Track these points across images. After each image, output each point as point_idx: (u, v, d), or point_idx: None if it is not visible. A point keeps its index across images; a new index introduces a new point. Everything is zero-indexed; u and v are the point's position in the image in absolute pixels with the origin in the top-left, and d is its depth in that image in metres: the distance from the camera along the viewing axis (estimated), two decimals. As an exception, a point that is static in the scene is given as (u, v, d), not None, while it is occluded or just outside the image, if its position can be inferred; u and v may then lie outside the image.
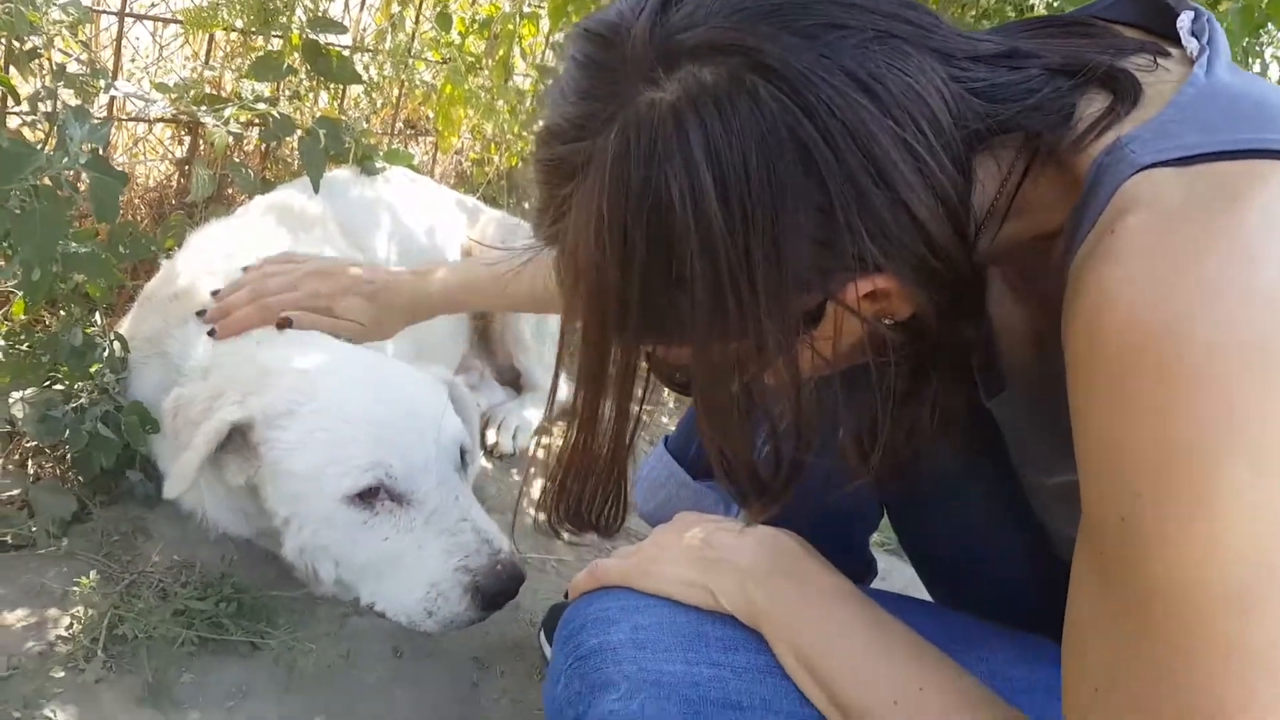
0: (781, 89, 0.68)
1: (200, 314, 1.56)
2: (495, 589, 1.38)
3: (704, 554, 1.03)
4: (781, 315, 0.73)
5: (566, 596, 1.13)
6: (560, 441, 0.90)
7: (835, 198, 0.69)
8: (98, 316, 1.68)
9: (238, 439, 1.41)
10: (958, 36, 0.77)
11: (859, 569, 1.37)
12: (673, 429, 1.44)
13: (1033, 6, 2.36)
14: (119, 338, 1.64)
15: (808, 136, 0.68)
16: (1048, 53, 0.80)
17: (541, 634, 1.70)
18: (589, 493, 0.92)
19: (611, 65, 0.73)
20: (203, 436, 1.37)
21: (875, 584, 1.53)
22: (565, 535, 0.99)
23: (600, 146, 0.72)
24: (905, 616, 0.96)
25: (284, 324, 1.52)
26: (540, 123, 0.79)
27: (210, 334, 1.54)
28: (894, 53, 0.71)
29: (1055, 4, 2.31)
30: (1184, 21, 0.83)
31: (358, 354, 1.53)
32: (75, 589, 1.44)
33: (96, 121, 1.38)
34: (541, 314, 2.47)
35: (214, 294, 1.57)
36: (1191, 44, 0.80)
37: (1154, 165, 0.70)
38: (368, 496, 1.37)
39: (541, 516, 0.97)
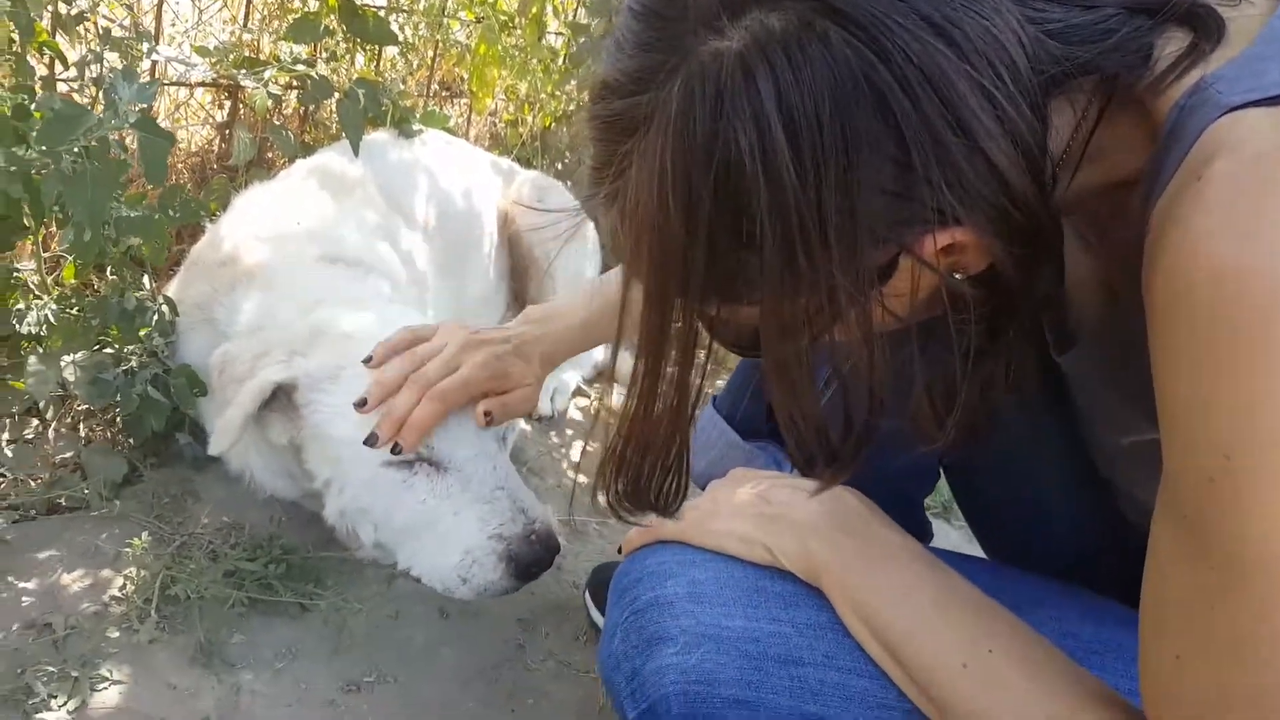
0: (855, 34, 0.65)
1: (359, 405, 1.36)
2: (529, 558, 1.37)
3: (762, 510, 1.01)
4: (854, 271, 0.69)
5: (620, 552, 1.12)
6: (618, 412, 0.87)
7: (912, 147, 0.65)
8: (146, 280, 1.69)
9: (282, 398, 1.42)
10: None
11: (915, 531, 1.35)
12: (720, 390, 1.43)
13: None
14: (168, 301, 1.66)
15: (883, 83, 0.64)
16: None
17: (586, 594, 1.71)
18: (649, 466, 0.88)
19: (672, 15, 0.70)
20: (247, 394, 1.38)
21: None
22: (624, 515, 0.96)
23: (663, 100, 0.69)
24: (969, 576, 0.93)
25: (490, 422, 1.40)
26: (596, 77, 0.76)
27: (369, 441, 1.34)
28: None
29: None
30: None
31: (403, 319, 1.53)
32: (128, 550, 1.47)
33: (144, 81, 1.38)
34: (578, 272, 2.47)
35: (366, 361, 1.40)
36: None
37: (1242, 106, 0.66)
38: (407, 459, 1.37)
39: (601, 497, 0.92)
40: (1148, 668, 0.71)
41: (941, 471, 1.39)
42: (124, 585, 1.43)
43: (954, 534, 2.23)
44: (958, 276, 0.75)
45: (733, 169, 0.67)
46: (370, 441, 1.33)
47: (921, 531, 1.52)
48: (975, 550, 1.39)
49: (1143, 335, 0.72)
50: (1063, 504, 1.17)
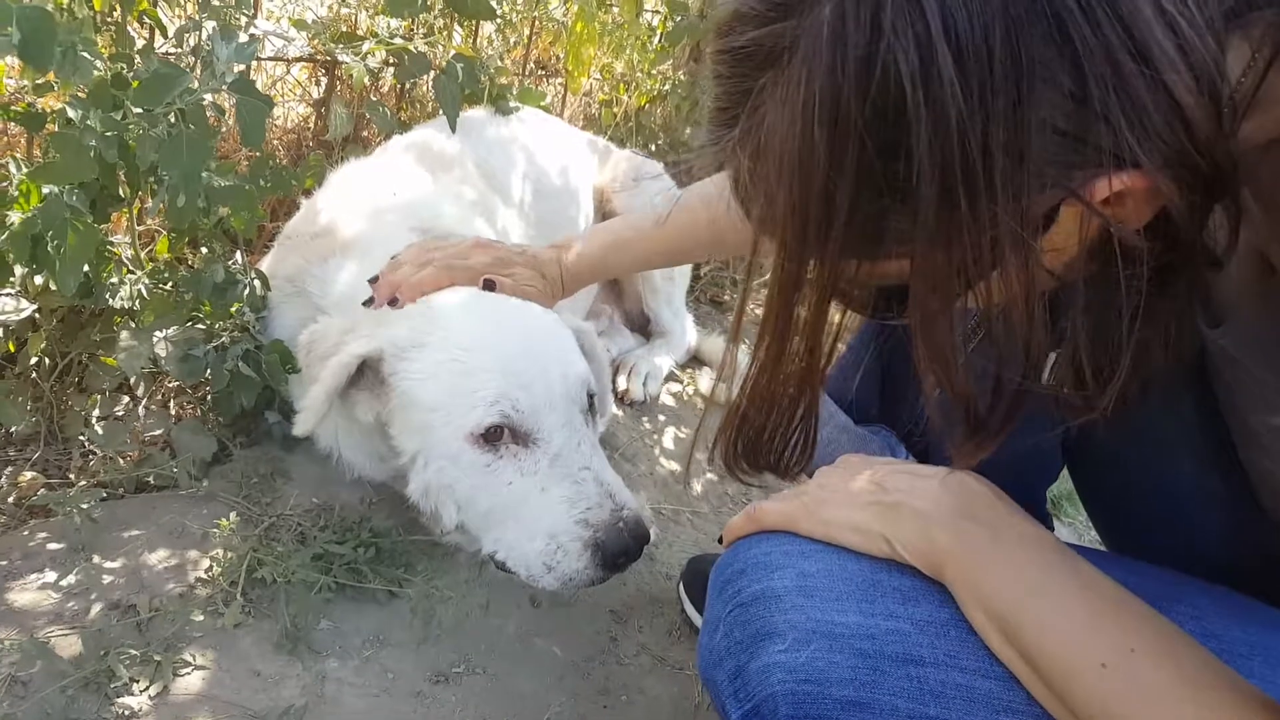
0: None
1: (372, 281, 1.49)
2: (616, 547, 1.29)
3: (879, 497, 0.93)
4: (1018, 218, 0.63)
5: (720, 541, 1.04)
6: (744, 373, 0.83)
7: (1091, 78, 0.59)
8: (239, 255, 1.66)
9: (369, 375, 1.38)
10: None
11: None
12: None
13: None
14: (259, 275, 1.62)
15: (1062, 6, 0.59)
16: None
17: (681, 588, 1.64)
18: (771, 426, 0.85)
19: None
20: (330, 370, 1.34)
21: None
22: (739, 475, 0.90)
23: (811, 25, 0.62)
24: (1102, 569, 0.85)
25: (490, 285, 1.46)
26: (722, 9, 0.69)
27: (367, 303, 1.48)
28: None
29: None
30: None
31: (484, 295, 1.48)
32: (215, 531, 1.43)
33: (242, 41, 1.33)
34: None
35: (372, 281, 1.49)
36: None
37: None
38: (492, 438, 1.32)
39: (716, 455, 0.90)
40: None
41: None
42: (210, 567, 1.39)
43: (1064, 531, 2.10)
44: (1124, 227, 0.68)
45: (891, 97, 0.61)
46: (367, 303, 1.45)
47: (1045, 525, 1.42)
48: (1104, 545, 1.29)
49: None
50: (1196, 494, 1.09)
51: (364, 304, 1.46)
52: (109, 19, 1.58)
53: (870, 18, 0.60)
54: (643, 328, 2.47)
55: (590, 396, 1.45)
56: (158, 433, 1.58)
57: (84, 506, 1.38)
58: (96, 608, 1.29)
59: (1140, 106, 0.61)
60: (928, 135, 0.60)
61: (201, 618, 1.32)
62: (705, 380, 2.39)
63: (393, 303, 1.43)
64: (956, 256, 0.66)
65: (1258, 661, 0.85)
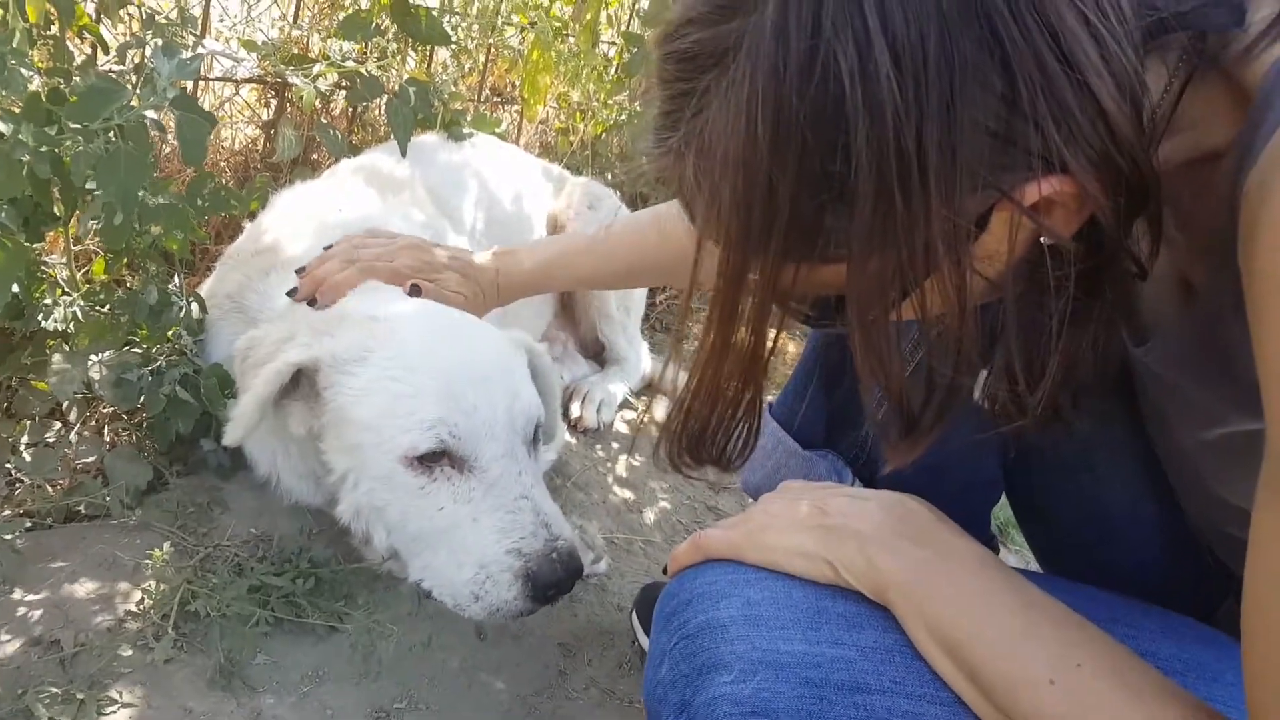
0: None
1: (299, 271, 1.47)
2: (548, 578, 1.26)
3: (821, 521, 0.92)
4: (951, 218, 0.65)
5: (665, 572, 1.02)
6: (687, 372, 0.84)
7: (1020, 80, 0.62)
8: (176, 278, 1.61)
9: (305, 385, 1.33)
10: None
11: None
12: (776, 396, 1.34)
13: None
14: (197, 298, 1.58)
15: (993, 9, 0.61)
16: None
17: (633, 617, 1.61)
18: (715, 419, 0.85)
19: None
20: (263, 378, 1.28)
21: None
22: (683, 469, 0.92)
23: (754, 25, 0.64)
24: (1044, 590, 0.85)
25: (416, 291, 1.43)
26: (669, 14, 0.71)
27: (290, 293, 1.46)
28: None
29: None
30: None
31: (440, 309, 1.44)
32: (148, 562, 1.37)
33: (185, 57, 1.30)
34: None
35: (299, 271, 1.48)
36: None
37: None
38: (428, 460, 1.28)
39: (661, 449, 0.91)
40: (1258, 674, 0.65)
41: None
42: (141, 600, 1.34)
43: (1011, 558, 2.12)
44: (1044, 240, 0.71)
45: (830, 93, 0.62)
46: (290, 294, 1.44)
47: (989, 547, 1.43)
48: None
49: (1228, 320, 0.70)
50: (1128, 517, 1.12)
51: (287, 294, 1.45)
52: (46, 33, 1.54)
53: (811, 17, 0.62)
54: (597, 355, 2.45)
55: (536, 427, 1.41)
56: (90, 460, 1.53)
57: (7, 537, 1.32)
58: (15, 644, 1.24)
59: (1067, 109, 0.63)
60: (865, 131, 0.62)
61: (130, 653, 1.26)
62: (660, 408, 2.37)
63: (312, 302, 1.42)
64: (892, 259, 0.67)
65: (1192, 677, 0.86)
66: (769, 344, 0.78)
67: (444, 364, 1.31)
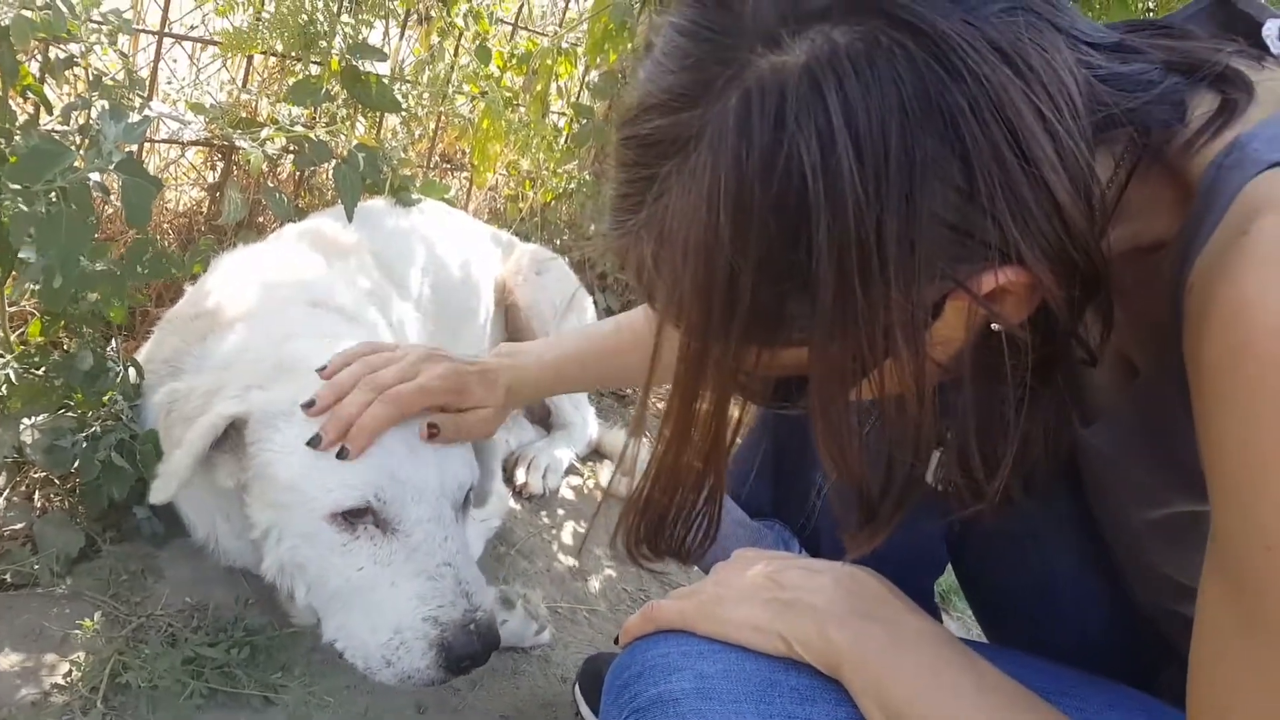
0: (926, 51, 0.62)
1: (307, 406, 1.26)
2: (463, 650, 1.22)
3: (775, 594, 0.92)
4: (909, 308, 0.66)
5: (616, 642, 1.01)
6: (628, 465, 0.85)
7: (979, 174, 0.63)
8: (113, 342, 1.59)
9: (233, 437, 1.29)
10: (1079, 20, 0.73)
11: (927, 615, 1.28)
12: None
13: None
14: (133, 363, 1.55)
15: (954, 105, 0.62)
16: (1154, 50, 0.76)
17: (576, 689, 1.59)
18: (675, 509, 0.86)
19: (725, 28, 0.67)
20: (197, 431, 1.24)
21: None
22: (641, 562, 0.92)
23: (717, 114, 0.65)
24: (992, 663, 0.86)
25: (434, 434, 1.29)
26: (629, 98, 0.72)
27: (312, 442, 1.23)
28: (1032, 27, 0.66)
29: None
30: (1271, 29, 0.79)
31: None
32: (77, 632, 1.33)
33: (132, 121, 1.30)
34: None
35: (306, 407, 1.26)
36: None
37: None
38: (352, 517, 1.24)
39: (619, 542, 0.91)
40: None
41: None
42: (69, 672, 1.29)
43: (953, 624, 2.13)
44: (997, 327, 0.73)
45: (793, 186, 0.63)
46: (314, 443, 1.22)
47: (934, 617, 1.45)
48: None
49: (1172, 405, 0.71)
50: (1072, 589, 1.14)
51: (308, 443, 1.23)
52: (-11, 93, 1.53)
53: (774, 110, 0.63)
54: (543, 420, 2.44)
55: (469, 491, 1.38)
56: (19, 527, 1.48)
57: (-72, 607, 1.27)
58: (-67, 719, 1.19)
59: (1023, 204, 0.64)
60: (826, 223, 0.63)
61: (54, 728, 1.22)
62: (606, 474, 2.37)
63: (342, 452, 1.22)
64: (851, 344, 0.67)
65: None
66: (730, 431, 0.78)
67: None
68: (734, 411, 0.78)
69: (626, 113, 0.72)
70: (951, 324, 0.70)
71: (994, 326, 0.71)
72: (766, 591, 0.93)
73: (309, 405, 1.25)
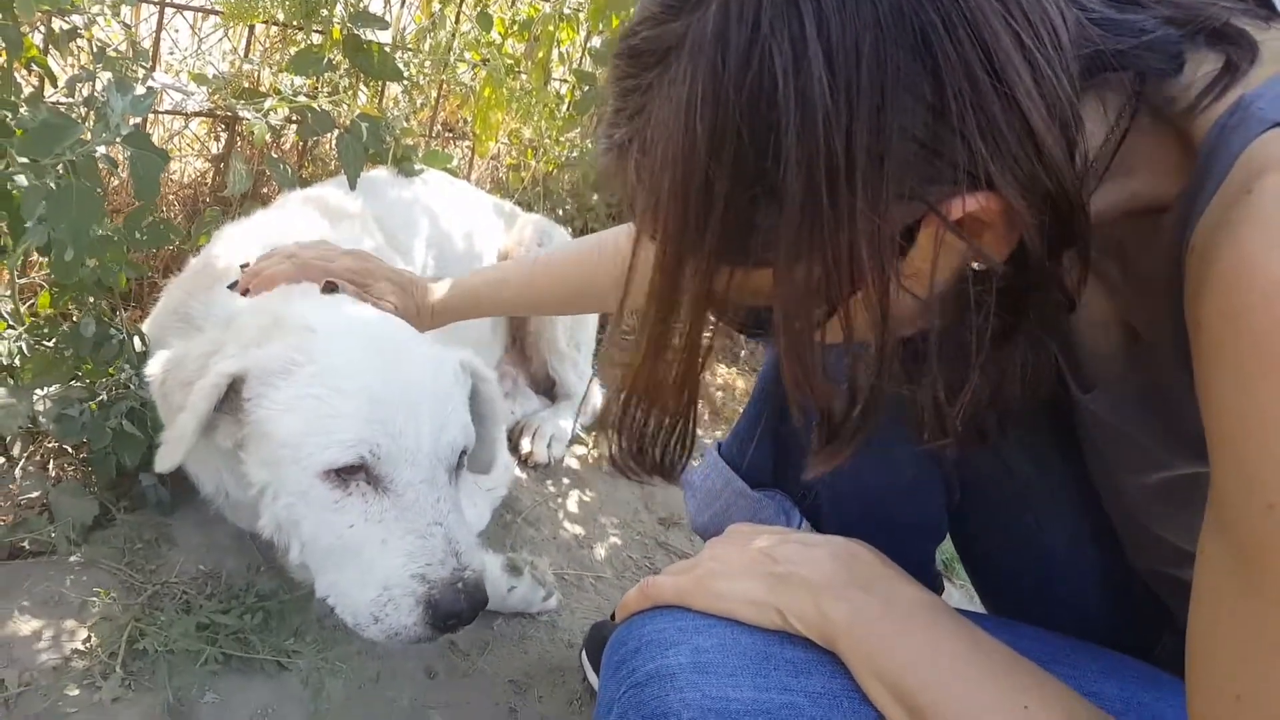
0: None
1: (231, 286, 1.46)
2: (449, 608, 1.23)
3: (770, 569, 0.93)
4: (876, 225, 0.66)
5: (613, 618, 1.03)
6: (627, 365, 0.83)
7: (950, 93, 0.64)
8: (119, 312, 1.60)
9: (231, 396, 1.29)
10: None
11: (928, 584, 1.28)
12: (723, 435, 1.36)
13: None
14: (138, 332, 1.56)
15: (928, 22, 0.63)
16: (1157, 7, 0.75)
17: (584, 655, 1.62)
18: (654, 423, 0.86)
19: None
20: (199, 394, 1.24)
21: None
22: (629, 474, 0.93)
23: (697, 22, 0.67)
24: (989, 633, 0.87)
25: (330, 288, 1.42)
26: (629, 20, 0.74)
27: (231, 286, 1.46)
28: None
29: None
30: None
31: (381, 322, 1.40)
32: (94, 599, 1.36)
33: (139, 93, 1.30)
34: (576, 319, 2.41)
35: (243, 266, 1.48)
36: None
37: None
38: (345, 474, 1.25)
39: (610, 449, 0.91)
40: (1199, 707, 0.68)
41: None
42: (88, 638, 1.32)
43: (956, 593, 2.15)
44: (977, 266, 0.73)
45: (765, 89, 0.64)
46: (231, 286, 1.45)
47: (933, 586, 1.46)
48: (977, 609, 1.32)
49: (1173, 367, 0.71)
50: (1068, 558, 1.14)
51: (228, 286, 1.46)
52: (-6, 66, 1.53)
53: (751, 17, 0.64)
54: (548, 390, 2.46)
55: (463, 454, 1.38)
56: (35, 495, 1.50)
57: (-52, 575, 1.30)
58: (-42, 684, 1.21)
59: (995, 125, 0.65)
60: (796, 130, 0.64)
61: (77, 692, 1.24)
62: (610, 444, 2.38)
63: (245, 292, 1.42)
64: (818, 265, 0.68)
65: (1133, 717, 0.88)
66: (703, 350, 0.79)
67: (370, 384, 1.27)
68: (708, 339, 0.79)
69: (624, 29, 0.73)
70: (924, 253, 0.70)
71: (975, 266, 0.72)
72: (762, 566, 0.94)
73: (244, 265, 1.47)
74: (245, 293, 1.43)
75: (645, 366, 0.80)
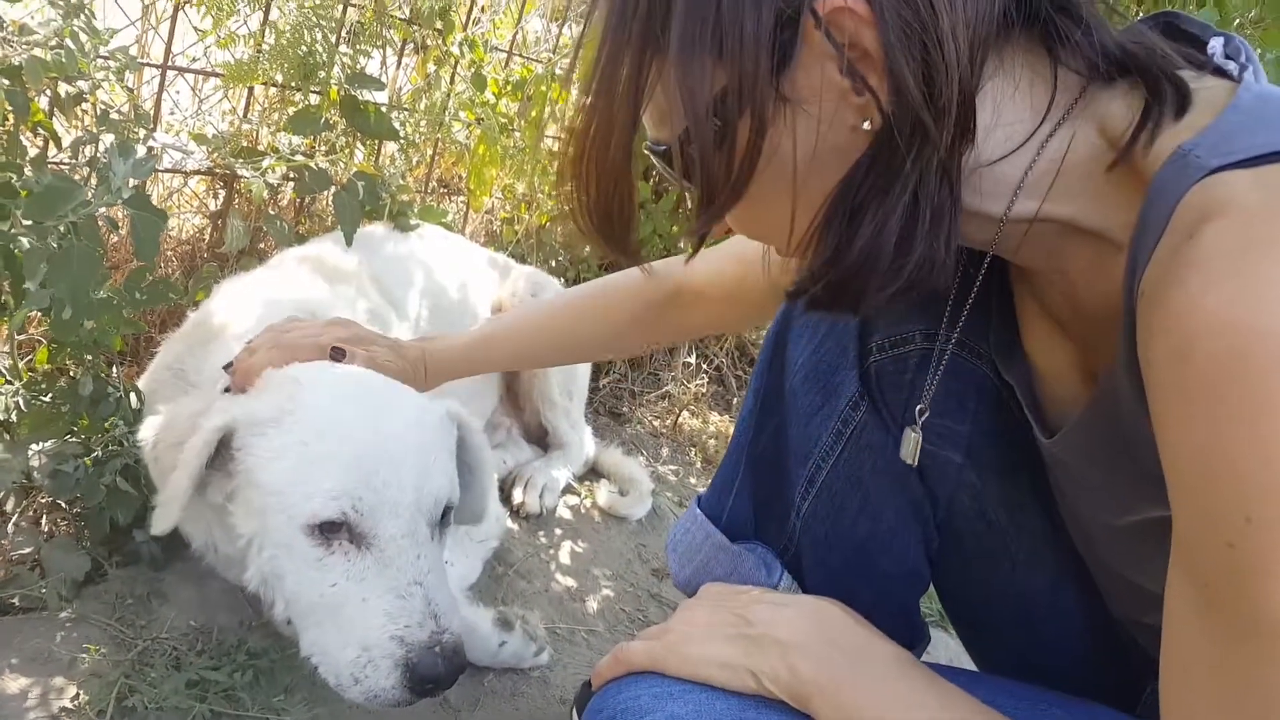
0: None
1: (227, 368, 1.42)
2: (427, 671, 1.22)
3: (742, 630, 0.94)
4: (756, 16, 0.73)
5: (590, 686, 1.03)
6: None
7: None
8: (115, 369, 1.62)
9: (221, 450, 1.30)
10: None
11: (913, 634, 1.29)
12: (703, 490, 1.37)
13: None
14: (134, 389, 1.58)
15: None
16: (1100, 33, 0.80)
17: (574, 713, 1.61)
18: (600, 196, 0.87)
19: None
20: (191, 451, 1.25)
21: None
22: (591, 253, 0.98)
23: None
24: (965, 689, 0.88)
25: (338, 355, 1.40)
26: None
27: (227, 368, 1.42)
28: None
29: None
30: (1215, 46, 0.82)
31: (363, 377, 1.41)
32: (84, 656, 1.36)
33: (140, 157, 1.34)
34: (568, 370, 2.43)
35: (226, 368, 1.42)
36: (1229, 64, 0.80)
37: (1223, 168, 0.68)
38: (328, 531, 1.25)
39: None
40: None
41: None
42: (77, 695, 1.32)
43: (953, 644, 2.14)
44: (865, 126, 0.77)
45: None
46: (227, 390, 1.39)
47: (919, 636, 1.46)
48: (965, 659, 1.35)
49: (1132, 408, 0.73)
50: (1051, 604, 1.15)
51: (223, 390, 1.40)
52: (0, 128, 1.57)
53: None
54: (540, 440, 2.47)
55: (448, 509, 1.39)
56: (26, 551, 1.51)
57: (-61, 632, 1.30)
58: (-54, 742, 1.22)
59: None
60: None
61: (63, 750, 1.24)
62: (603, 493, 2.40)
63: (229, 373, 1.39)
64: (708, 62, 0.75)
65: None
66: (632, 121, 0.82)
67: (355, 434, 1.29)
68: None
69: None
70: (811, 72, 0.75)
71: (862, 125, 0.77)
72: (733, 628, 0.95)
73: (228, 366, 1.41)
74: (229, 375, 1.40)
75: (584, 128, 0.84)
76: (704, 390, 3.17)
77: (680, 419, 2.98)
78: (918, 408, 1.06)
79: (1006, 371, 1.02)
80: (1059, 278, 0.87)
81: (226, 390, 1.40)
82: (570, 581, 2.05)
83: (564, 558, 2.14)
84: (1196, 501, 0.65)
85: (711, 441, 2.93)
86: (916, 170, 0.76)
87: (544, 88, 2.86)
